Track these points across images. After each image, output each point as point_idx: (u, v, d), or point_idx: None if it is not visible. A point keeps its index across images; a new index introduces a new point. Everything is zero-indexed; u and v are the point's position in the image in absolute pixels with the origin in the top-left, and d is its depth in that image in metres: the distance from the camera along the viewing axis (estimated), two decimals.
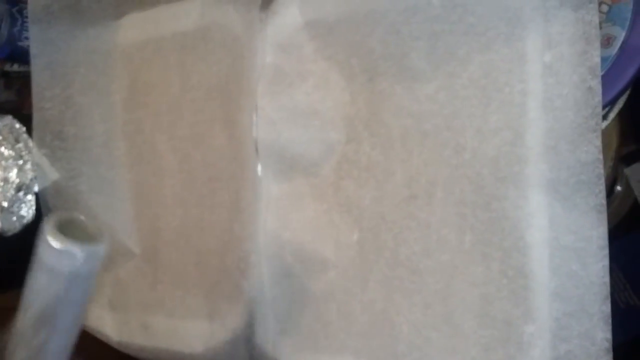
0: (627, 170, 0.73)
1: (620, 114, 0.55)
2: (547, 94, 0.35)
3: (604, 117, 0.54)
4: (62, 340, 0.36)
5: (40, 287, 0.34)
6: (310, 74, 0.45)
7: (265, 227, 0.46)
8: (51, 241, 0.32)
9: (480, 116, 0.38)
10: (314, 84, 0.45)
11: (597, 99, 0.34)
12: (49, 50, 0.53)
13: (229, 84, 0.48)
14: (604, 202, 0.34)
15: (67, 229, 0.33)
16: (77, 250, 0.32)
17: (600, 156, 0.34)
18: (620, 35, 0.47)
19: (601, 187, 0.34)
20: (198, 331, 0.49)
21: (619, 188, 0.75)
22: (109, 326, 0.55)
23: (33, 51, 0.53)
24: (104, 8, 0.53)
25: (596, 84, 0.34)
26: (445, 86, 0.39)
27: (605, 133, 0.54)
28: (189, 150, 0.50)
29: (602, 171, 0.34)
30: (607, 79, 0.47)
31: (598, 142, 0.34)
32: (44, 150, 0.54)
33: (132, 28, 0.54)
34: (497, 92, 0.37)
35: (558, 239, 0.35)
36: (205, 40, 0.50)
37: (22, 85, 0.59)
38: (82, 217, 0.35)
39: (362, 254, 0.43)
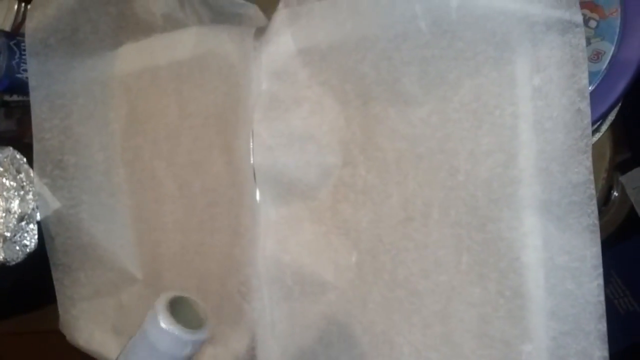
0: (623, 178, 0.74)
1: (612, 123, 0.56)
2: (537, 116, 0.36)
3: (597, 130, 0.55)
4: None
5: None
6: (305, 100, 0.46)
7: (265, 251, 0.47)
8: (162, 323, 0.31)
9: (473, 139, 0.39)
10: (309, 109, 0.46)
11: (586, 120, 0.35)
12: (47, 82, 0.54)
13: (225, 111, 0.49)
14: (597, 222, 0.35)
15: (176, 307, 0.32)
16: (186, 337, 0.32)
17: (591, 177, 0.35)
18: (610, 50, 0.47)
19: (593, 208, 0.35)
20: (200, 354, 0.49)
21: (615, 195, 0.76)
22: (113, 351, 0.55)
23: (32, 84, 0.53)
24: (101, 39, 0.54)
25: (585, 106, 0.35)
26: (438, 110, 0.40)
27: (598, 144, 0.55)
28: (188, 177, 0.51)
29: (593, 192, 0.35)
30: (597, 94, 0.48)
31: (588, 163, 0.35)
32: (45, 180, 0.54)
33: (129, 58, 0.54)
34: (488, 115, 0.38)
35: (553, 259, 0.35)
36: (201, 69, 0.51)
37: (22, 114, 0.60)
38: (193, 298, 0.34)
39: (360, 276, 0.44)
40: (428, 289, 0.40)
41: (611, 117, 0.54)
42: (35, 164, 0.54)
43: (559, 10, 0.35)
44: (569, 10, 0.35)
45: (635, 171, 0.72)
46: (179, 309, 0.32)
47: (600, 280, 0.34)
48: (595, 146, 0.55)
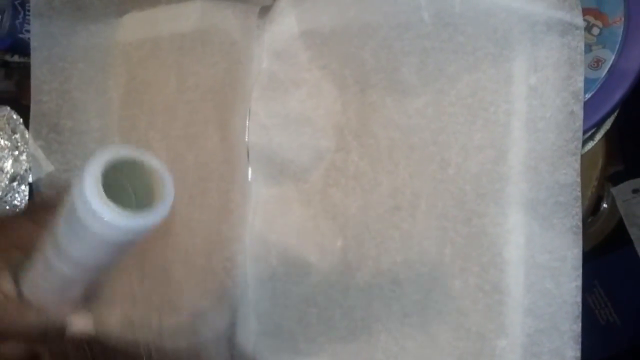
0: (614, 190, 0.74)
1: (606, 134, 0.57)
2: (530, 115, 0.36)
3: (591, 138, 0.55)
4: (84, 277, 0.29)
5: (74, 240, 0.26)
6: (304, 82, 0.46)
7: (253, 229, 0.47)
8: (96, 207, 0.23)
9: (466, 133, 0.39)
10: (307, 92, 0.46)
11: (579, 123, 0.35)
12: (49, 44, 0.53)
13: (224, 87, 0.49)
14: (580, 224, 0.35)
15: (117, 174, 0.24)
16: (124, 223, 0.24)
17: (579, 179, 0.35)
18: (610, 58, 0.48)
19: (578, 210, 0.35)
20: (181, 328, 0.50)
21: (605, 206, 0.76)
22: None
23: (33, 44, 0.53)
24: (105, 5, 0.54)
25: (578, 109, 0.35)
26: (434, 102, 0.41)
27: (591, 153, 0.55)
28: (181, 150, 0.51)
29: (579, 194, 0.35)
30: (594, 101, 0.48)
31: (577, 165, 0.35)
32: (40, 142, 0.54)
33: (132, 26, 0.54)
34: (483, 110, 0.38)
35: (534, 257, 0.36)
36: (204, 43, 0.51)
37: (22, 76, 0.59)
38: (139, 156, 0.25)
39: (345, 261, 0.44)
40: (410, 278, 0.41)
41: (606, 126, 0.55)
42: (31, 126, 0.54)
43: (561, 12, 0.35)
44: (570, 12, 0.35)
45: (626, 184, 0.73)
46: (125, 173, 0.25)
47: (579, 282, 0.35)
48: (588, 154, 0.56)
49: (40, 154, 0.54)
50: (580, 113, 0.35)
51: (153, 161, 0.25)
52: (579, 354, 0.35)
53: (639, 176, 0.72)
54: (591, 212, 0.75)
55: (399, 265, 0.42)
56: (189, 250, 0.49)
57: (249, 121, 0.47)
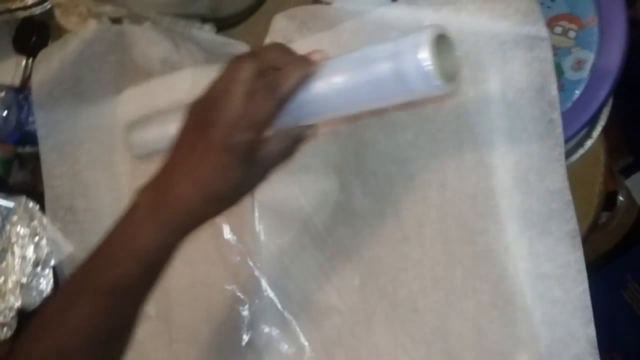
0: (628, 182, 0.74)
1: (608, 130, 0.57)
2: (512, 129, 0.37)
3: (589, 136, 0.56)
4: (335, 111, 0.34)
5: (371, 78, 0.31)
6: None
7: (270, 279, 0.48)
8: (421, 56, 0.28)
9: (457, 155, 0.40)
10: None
11: (558, 130, 0.36)
12: (54, 132, 0.56)
13: None
14: (577, 227, 0.35)
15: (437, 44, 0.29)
16: (437, 83, 0.29)
17: (567, 183, 0.36)
18: (590, 58, 0.48)
19: (572, 214, 0.35)
20: None
21: (621, 199, 0.75)
22: None
23: (40, 134, 0.56)
24: (103, 86, 0.57)
25: (556, 116, 0.36)
26: (423, 131, 0.42)
27: (592, 150, 0.56)
28: None
29: (570, 198, 0.35)
30: (581, 101, 0.48)
31: (563, 171, 0.36)
32: (58, 225, 0.57)
33: (130, 102, 0.57)
34: (468, 132, 0.39)
35: (538, 267, 0.36)
36: None
37: (34, 164, 0.62)
38: (454, 42, 0.30)
39: (364, 298, 0.45)
40: (427, 306, 0.41)
41: (602, 122, 0.55)
42: (47, 210, 0.57)
43: (526, 27, 0.36)
44: (535, 26, 0.36)
45: (638, 174, 0.72)
46: (439, 46, 0.29)
47: (586, 285, 0.35)
48: (589, 152, 0.56)
49: (59, 236, 0.56)
50: (558, 120, 0.36)
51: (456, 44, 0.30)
52: (598, 357, 0.35)
53: None
54: (607, 208, 0.75)
55: (415, 294, 0.42)
56: (211, 308, 0.50)
57: None
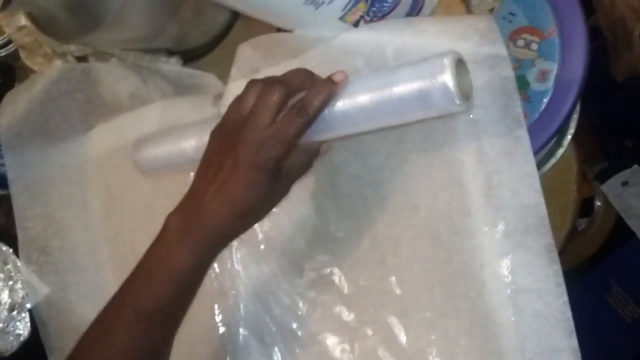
0: (604, 187, 0.75)
1: (578, 136, 0.58)
2: (480, 147, 0.37)
3: (559, 145, 0.56)
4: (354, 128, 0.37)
5: (401, 95, 0.33)
6: None
7: (247, 310, 0.47)
8: (446, 78, 0.32)
9: (428, 176, 0.40)
10: None
11: (526, 145, 0.36)
12: (25, 173, 0.56)
13: None
14: (552, 241, 0.35)
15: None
16: (458, 102, 0.32)
17: (542, 199, 0.36)
18: (554, 68, 0.49)
19: (547, 228, 0.36)
20: None
21: (598, 204, 0.76)
22: None
23: (10, 176, 0.55)
24: (72, 125, 0.56)
25: (522, 133, 0.36)
26: (394, 153, 0.42)
27: (564, 158, 0.56)
28: None
29: (545, 213, 0.36)
30: (548, 111, 0.49)
31: (537, 185, 0.36)
32: (32, 267, 0.56)
33: (101, 138, 0.56)
34: (438, 152, 0.39)
35: (517, 282, 0.36)
36: None
37: (8, 207, 0.61)
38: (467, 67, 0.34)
39: (345, 324, 0.44)
40: (409, 327, 0.41)
41: (572, 129, 0.56)
42: (21, 253, 0.56)
43: (485, 47, 0.37)
44: (494, 45, 0.36)
45: (614, 178, 0.73)
46: (457, 69, 0.33)
47: (565, 297, 0.35)
48: (561, 160, 0.57)
49: (34, 278, 0.55)
50: (525, 136, 0.36)
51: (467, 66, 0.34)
52: None
53: (624, 169, 0.72)
54: (585, 214, 0.75)
55: (397, 316, 0.42)
56: (192, 341, 0.49)
57: None
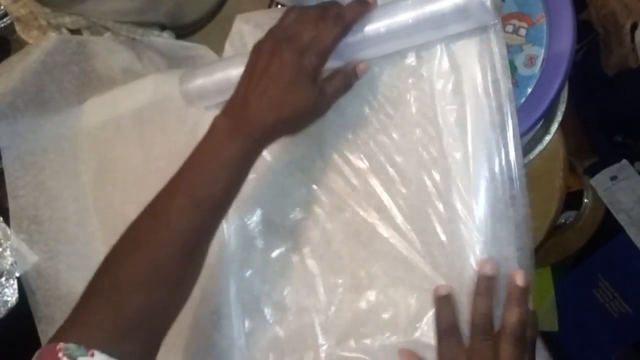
0: (593, 181, 0.75)
1: (568, 130, 0.58)
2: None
3: (547, 132, 0.57)
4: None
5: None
6: None
7: (242, 279, 0.48)
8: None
9: (422, 149, 0.42)
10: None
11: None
12: (17, 142, 0.56)
13: (188, 150, 0.51)
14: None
15: None
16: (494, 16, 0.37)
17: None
18: (540, 54, 0.50)
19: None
20: None
21: (586, 200, 0.77)
22: None
23: (2, 145, 0.56)
24: (65, 96, 0.57)
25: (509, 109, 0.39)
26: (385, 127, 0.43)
27: (551, 146, 0.57)
28: None
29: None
30: (534, 96, 0.50)
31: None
32: (22, 236, 0.56)
33: (94, 111, 0.57)
34: (430, 124, 0.41)
35: None
36: (162, 113, 0.54)
37: (2, 179, 0.62)
38: None
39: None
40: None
41: (559, 118, 0.56)
42: (11, 221, 0.56)
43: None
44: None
45: (603, 173, 0.73)
46: None
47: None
48: (548, 148, 0.57)
49: (23, 246, 0.55)
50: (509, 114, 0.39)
51: None
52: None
53: (613, 164, 0.73)
54: (573, 208, 0.76)
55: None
56: (180, 331, 0.50)
57: None
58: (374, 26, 0.40)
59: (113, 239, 0.55)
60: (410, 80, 0.42)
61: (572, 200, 0.73)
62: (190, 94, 0.47)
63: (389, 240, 0.43)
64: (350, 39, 0.40)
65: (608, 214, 0.75)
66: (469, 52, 0.40)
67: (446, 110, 0.40)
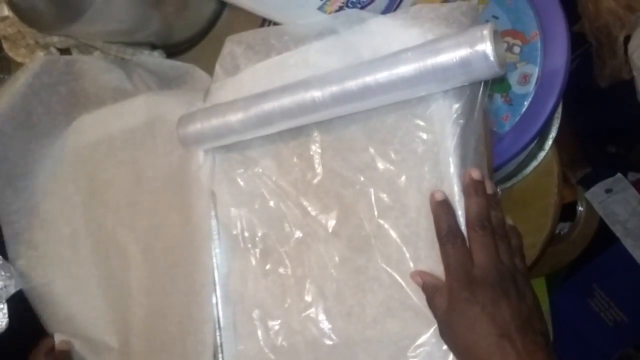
0: (588, 194, 0.75)
1: (562, 142, 0.58)
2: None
3: (541, 148, 0.57)
4: None
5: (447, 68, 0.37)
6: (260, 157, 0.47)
7: (225, 303, 0.47)
8: (487, 47, 0.36)
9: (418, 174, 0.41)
10: (265, 165, 0.47)
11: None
12: (7, 168, 0.55)
13: (181, 172, 0.50)
14: None
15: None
16: (497, 67, 0.36)
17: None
18: (535, 72, 0.50)
19: None
20: None
21: (580, 209, 0.77)
22: None
23: None
24: (54, 118, 0.56)
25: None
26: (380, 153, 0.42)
27: (545, 162, 0.57)
28: (149, 240, 0.52)
29: None
30: (529, 113, 0.50)
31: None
32: (21, 261, 0.56)
33: (83, 130, 0.56)
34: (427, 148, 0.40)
35: None
36: (154, 135, 0.52)
37: None
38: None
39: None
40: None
41: (553, 133, 0.56)
42: (8, 248, 0.56)
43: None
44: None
45: (598, 186, 0.73)
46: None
47: None
48: (542, 164, 0.57)
49: (22, 272, 0.55)
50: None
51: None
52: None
53: (608, 177, 0.73)
54: (568, 219, 0.76)
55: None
56: (165, 339, 0.49)
57: (214, 203, 0.48)
58: (385, 78, 0.39)
59: (106, 262, 0.55)
60: None
61: (566, 211, 0.73)
62: (187, 138, 0.47)
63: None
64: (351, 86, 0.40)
65: (602, 224, 0.75)
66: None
67: None
